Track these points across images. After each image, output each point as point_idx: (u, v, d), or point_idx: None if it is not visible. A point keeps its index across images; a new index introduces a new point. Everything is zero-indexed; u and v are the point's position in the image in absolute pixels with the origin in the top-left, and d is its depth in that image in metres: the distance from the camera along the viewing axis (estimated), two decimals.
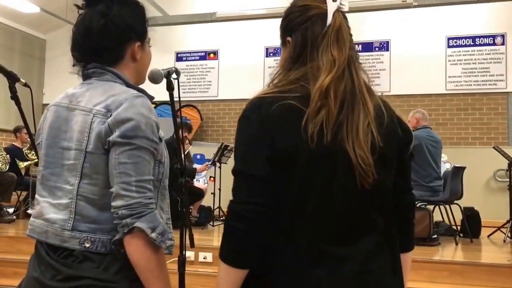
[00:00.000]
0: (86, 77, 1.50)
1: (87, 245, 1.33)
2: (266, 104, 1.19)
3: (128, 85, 1.47)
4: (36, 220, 1.43)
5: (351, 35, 1.30)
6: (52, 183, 1.41)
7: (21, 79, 2.03)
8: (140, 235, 1.30)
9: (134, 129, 1.32)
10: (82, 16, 1.49)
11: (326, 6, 1.27)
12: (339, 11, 1.28)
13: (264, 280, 1.20)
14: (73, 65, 1.52)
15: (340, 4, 1.28)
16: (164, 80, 2.31)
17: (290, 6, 1.35)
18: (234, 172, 1.21)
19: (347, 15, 1.32)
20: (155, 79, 2.22)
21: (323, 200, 1.18)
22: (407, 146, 1.31)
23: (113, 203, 1.31)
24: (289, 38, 1.32)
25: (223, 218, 6.87)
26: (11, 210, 7.17)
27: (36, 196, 1.46)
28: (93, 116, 1.36)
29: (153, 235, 1.30)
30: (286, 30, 1.34)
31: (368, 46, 8.92)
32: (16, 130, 7.59)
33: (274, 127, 1.17)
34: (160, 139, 1.41)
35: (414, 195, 1.40)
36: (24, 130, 6.88)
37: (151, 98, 1.49)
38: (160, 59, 8.43)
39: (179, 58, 9.95)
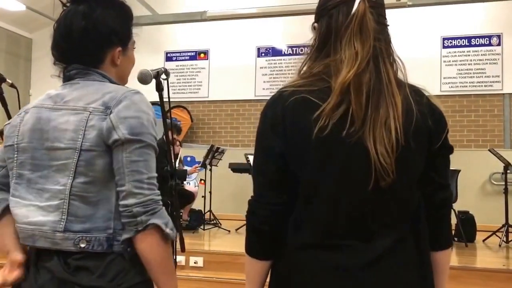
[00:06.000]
0: (68, 78, 1.44)
1: (83, 245, 1.30)
2: (283, 98, 1.19)
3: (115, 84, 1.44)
4: (18, 225, 1.37)
5: (383, 24, 1.23)
6: (40, 186, 1.36)
7: (7, 80, 1.99)
8: (154, 231, 1.30)
9: (140, 126, 1.32)
10: (64, 14, 1.43)
11: None
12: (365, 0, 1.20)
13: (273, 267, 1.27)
14: (54, 63, 1.46)
15: None
16: (154, 81, 2.21)
17: None
18: (252, 167, 1.27)
19: None
20: (144, 79, 2.12)
21: (333, 196, 1.16)
22: (438, 137, 1.22)
23: (124, 202, 1.29)
24: (315, 24, 1.27)
25: (214, 221, 6.87)
26: None
27: (16, 199, 1.38)
28: (90, 114, 1.33)
29: (168, 230, 1.32)
30: (316, 14, 1.28)
31: None
32: (2, 133, 7.41)
33: (286, 122, 1.17)
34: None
35: (449, 191, 1.30)
36: None
37: None
38: (149, 59, 8.32)
39: (168, 58, 9.80)
